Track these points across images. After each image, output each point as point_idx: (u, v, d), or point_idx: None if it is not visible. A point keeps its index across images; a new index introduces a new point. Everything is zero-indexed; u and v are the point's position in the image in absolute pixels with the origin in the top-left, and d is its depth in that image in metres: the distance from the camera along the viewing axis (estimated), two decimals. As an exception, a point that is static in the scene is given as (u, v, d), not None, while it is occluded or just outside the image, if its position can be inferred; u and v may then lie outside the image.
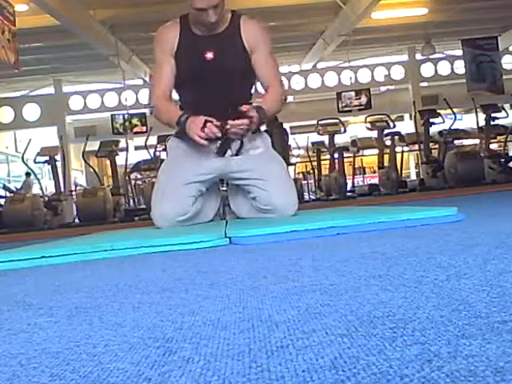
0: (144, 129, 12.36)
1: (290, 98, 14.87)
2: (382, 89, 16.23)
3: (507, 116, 8.47)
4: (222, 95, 2.37)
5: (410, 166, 19.62)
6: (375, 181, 10.22)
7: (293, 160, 10.66)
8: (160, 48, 2.46)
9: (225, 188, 2.69)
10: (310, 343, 0.47)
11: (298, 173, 11.76)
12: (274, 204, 2.30)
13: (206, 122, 2.16)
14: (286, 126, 9.11)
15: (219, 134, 2.18)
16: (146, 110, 12.90)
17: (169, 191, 2.33)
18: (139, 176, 10.82)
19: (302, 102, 15.75)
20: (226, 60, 2.39)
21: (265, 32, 2.49)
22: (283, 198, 2.31)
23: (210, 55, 2.38)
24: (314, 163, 10.19)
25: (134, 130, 12.95)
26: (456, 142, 8.68)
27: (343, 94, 13.84)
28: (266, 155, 2.43)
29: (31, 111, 14.45)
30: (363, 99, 13.76)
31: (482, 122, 8.29)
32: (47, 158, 7.86)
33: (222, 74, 2.36)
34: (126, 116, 13.14)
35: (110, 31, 11.51)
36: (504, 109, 8.38)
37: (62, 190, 8.18)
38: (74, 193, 9.31)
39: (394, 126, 8.70)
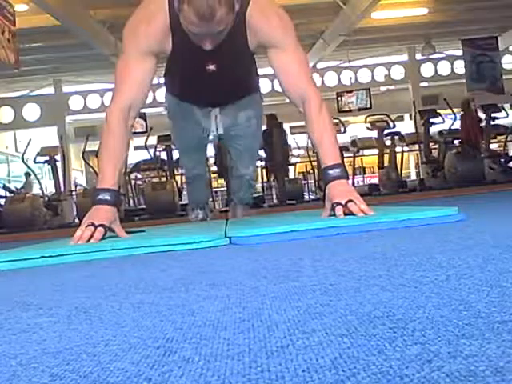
0: (144, 127, 12.35)
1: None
2: (382, 89, 16.22)
3: (507, 116, 8.47)
4: (220, 91, 2.38)
5: (410, 165, 19.61)
6: (375, 181, 10.21)
7: (293, 160, 10.65)
8: (139, 44, 1.93)
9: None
10: (310, 343, 0.47)
11: (298, 173, 11.73)
12: (238, 168, 2.89)
13: (101, 225, 1.73)
14: (286, 126, 9.10)
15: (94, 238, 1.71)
16: (146, 110, 12.89)
17: (189, 153, 2.90)
18: (139, 176, 10.82)
19: (302, 101, 15.71)
20: (229, 71, 2.18)
21: (278, 24, 1.97)
22: (245, 169, 2.89)
23: (211, 67, 2.12)
24: (314, 163, 10.17)
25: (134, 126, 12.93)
26: (456, 141, 8.69)
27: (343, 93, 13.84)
28: (251, 131, 2.71)
29: (31, 111, 14.44)
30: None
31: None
32: (47, 157, 7.86)
33: (223, 82, 2.24)
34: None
35: (109, 31, 11.50)
36: (504, 109, 8.38)
37: (62, 190, 8.18)
38: (73, 193, 9.31)
39: (394, 126, 8.70)
